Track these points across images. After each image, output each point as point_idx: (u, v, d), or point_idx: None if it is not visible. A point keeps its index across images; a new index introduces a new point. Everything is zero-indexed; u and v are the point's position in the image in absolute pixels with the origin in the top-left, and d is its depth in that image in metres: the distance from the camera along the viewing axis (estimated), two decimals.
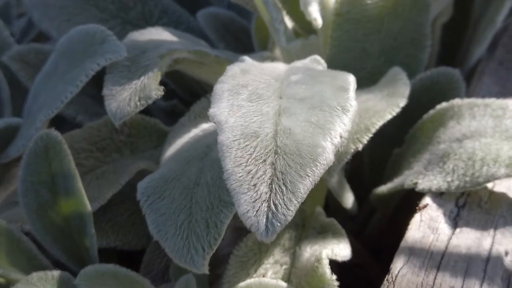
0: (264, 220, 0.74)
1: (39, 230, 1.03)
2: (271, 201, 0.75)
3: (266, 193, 0.76)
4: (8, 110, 1.26)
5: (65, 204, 1.01)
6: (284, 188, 0.76)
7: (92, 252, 1.02)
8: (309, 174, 0.77)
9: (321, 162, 0.78)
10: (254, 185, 0.76)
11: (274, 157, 0.78)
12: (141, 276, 0.97)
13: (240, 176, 0.77)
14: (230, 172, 0.77)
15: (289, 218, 0.75)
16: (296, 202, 0.75)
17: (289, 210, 0.75)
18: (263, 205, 0.75)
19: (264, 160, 0.78)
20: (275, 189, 0.76)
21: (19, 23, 1.69)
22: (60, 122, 1.26)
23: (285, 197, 0.75)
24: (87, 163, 1.14)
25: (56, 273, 0.94)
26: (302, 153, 0.78)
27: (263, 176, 0.77)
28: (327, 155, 0.78)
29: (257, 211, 0.75)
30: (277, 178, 0.77)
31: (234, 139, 0.79)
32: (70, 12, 1.36)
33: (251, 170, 0.77)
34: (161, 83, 1.06)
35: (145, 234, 1.08)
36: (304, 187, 0.76)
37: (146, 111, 1.18)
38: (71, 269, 1.04)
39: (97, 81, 1.12)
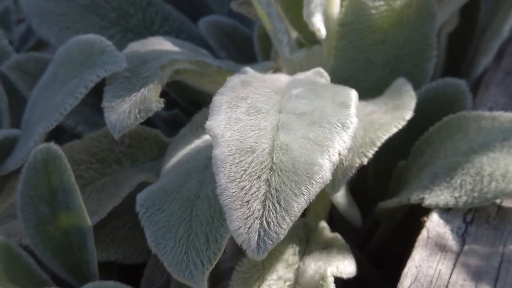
0: (256, 237, 0.73)
1: (38, 244, 1.01)
2: (264, 219, 0.74)
3: (259, 210, 0.75)
4: (6, 121, 1.24)
5: (65, 219, 1.00)
6: (277, 206, 0.75)
7: (92, 267, 1.01)
8: (304, 193, 0.76)
9: (317, 180, 0.76)
10: (247, 201, 0.75)
11: (269, 173, 0.77)
12: None
13: (233, 192, 0.76)
14: (223, 188, 0.76)
15: (282, 237, 0.74)
16: (289, 220, 0.74)
17: (282, 228, 0.74)
18: (256, 222, 0.74)
19: (259, 177, 0.77)
20: (269, 206, 0.75)
21: (19, 29, 1.68)
22: (59, 132, 1.24)
23: (278, 215, 0.74)
24: (86, 175, 1.12)
25: None
26: (298, 171, 0.77)
27: (257, 193, 0.76)
28: (324, 173, 0.77)
29: (249, 228, 0.74)
30: (271, 195, 0.76)
31: (229, 153, 0.78)
32: (69, 19, 1.35)
33: (244, 186, 0.76)
34: (162, 92, 1.05)
35: (146, 247, 1.06)
36: (298, 205, 0.75)
37: (147, 120, 1.16)
38: (71, 284, 1.03)
39: (97, 91, 1.10)
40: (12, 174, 1.13)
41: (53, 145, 0.98)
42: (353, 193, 1.11)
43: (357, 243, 1.18)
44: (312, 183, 0.76)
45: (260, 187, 0.76)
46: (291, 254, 0.99)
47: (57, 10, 1.35)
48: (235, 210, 0.74)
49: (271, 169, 0.77)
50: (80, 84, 1.04)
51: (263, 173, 0.77)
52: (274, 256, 0.97)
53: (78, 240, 1.00)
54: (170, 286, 1.02)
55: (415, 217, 1.06)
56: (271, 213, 0.74)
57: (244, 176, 0.76)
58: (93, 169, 1.13)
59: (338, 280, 0.93)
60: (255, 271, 0.96)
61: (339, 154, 0.79)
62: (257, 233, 0.73)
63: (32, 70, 1.28)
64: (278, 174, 0.77)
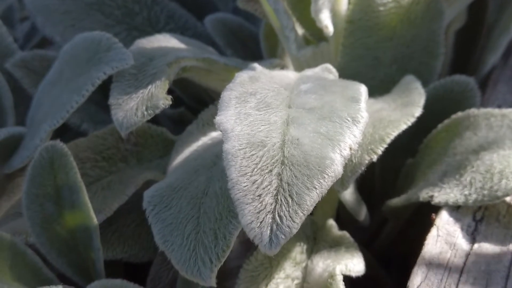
0: (268, 232, 0.73)
1: (44, 243, 1.01)
2: (276, 213, 0.73)
3: (271, 204, 0.74)
4: (11, 119, 1.23)
5: (71, 217, 0.99)
6: (290, 200, 0.74)
7: (98, 266, 1.00)
8: (316, 186, 0.75)
9: (329, 174, 0.76)
10: (259, 195, 0.74)
11: (281, 167, 0.76)
12: None
13: (245, 186, 0.75)
14: (235, 182, 0.75)
15: (294, 231, 0.73)
16: (302, 214, 0.74)
17: (295, 222, 0.73)
18: (268, 216, 0.73)
19: (270, 171, 0.76)
20: (281, 200, 0.74)
21: (22, 27, 1.67)
22: (63, 130, 1.24)
23: (290, 209, 0.74)
24: (92, 173, 1.12)
25: (61, 287, 0.92)
26: (309, 165, 0.76)
27: (269, 187, 0.75)
28: (336, 167, 0.76)
29: (261, 222, 0.73)
30: (283, 189, 0.75)
31: (240, 148, 0.78)
32: (74, 18, 1.34)
33: (256, 180, 0.75)
34: (168, 90, 1.04)
35: (152, 245, 1.06)
36: (311, 199, 0.74)
37: (153, 118, 1.16)
38: (77, 283, 1.03)
39: (103, 88, 1.09)
40: (18, 172, 1.12)
41: (59, 143, 0.97)
42: (360, 191, 1.10)
43: (364, 241, 1.18)
44: (324, 177, 0.75)
45: (271, 181, 0.75)
46: (298, 252, 0.98)
47: (61, 8, 1.35)
48: (247, 204, 0.73)
49: (283, 163, 0.77)
50: (86, 81, 1.03)
51: (275, 167, 0.76)
52: (281, 254, 0.96)
53: (84, 239, 1.00)
54: (177, 284, 1.01)
55: (421, 215, 1.05)
56: (284, 207, 0.73)
57: (255, 170, 0.76)
58: (99, 167, 1.12)
59: (345, 279, 0.92)
60: (262, 269, 0.95)
61: (350, 148, 0.79)
62: (269, 228, 0.72)
63: (37, 67, 1.28)
64: (289, 168, 0.76)
